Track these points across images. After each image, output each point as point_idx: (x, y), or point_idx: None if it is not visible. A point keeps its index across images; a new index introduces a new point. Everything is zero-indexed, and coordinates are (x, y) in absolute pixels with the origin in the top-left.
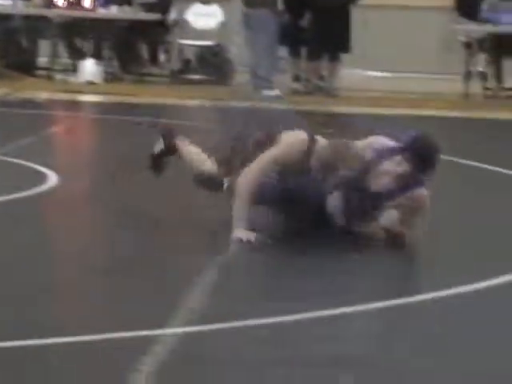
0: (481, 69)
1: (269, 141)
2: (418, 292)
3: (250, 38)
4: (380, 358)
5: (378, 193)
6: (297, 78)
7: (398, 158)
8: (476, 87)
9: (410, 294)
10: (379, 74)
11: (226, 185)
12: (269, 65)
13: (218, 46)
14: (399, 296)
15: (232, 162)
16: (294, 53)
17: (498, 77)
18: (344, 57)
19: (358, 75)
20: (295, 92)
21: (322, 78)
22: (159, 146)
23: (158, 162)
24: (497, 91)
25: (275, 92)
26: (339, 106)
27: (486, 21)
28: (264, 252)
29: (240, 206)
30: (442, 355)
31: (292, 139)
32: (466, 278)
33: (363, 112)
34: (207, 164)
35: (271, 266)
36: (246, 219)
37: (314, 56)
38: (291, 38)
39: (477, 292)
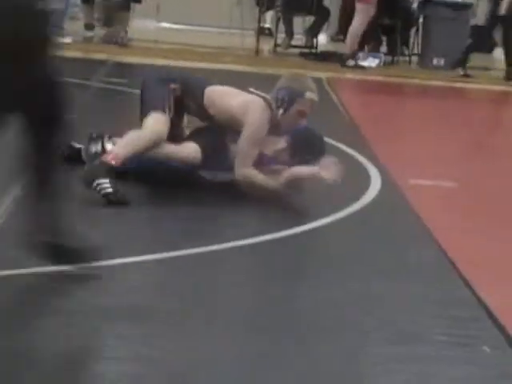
0: (269, 25)
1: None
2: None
3: None
4: (153, 308)
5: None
6: (89, 27)
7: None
8: (268, 43)
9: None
10: (173, 26)
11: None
12: (62, 12)
13: None
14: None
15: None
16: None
17: (288, 34)
18: (137, 7)
19: (151, 26)
20: (87, 40)
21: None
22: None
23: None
24: (286, 48)
25: (67, 39)
26: (131, 57)
27: None
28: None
29: (266, 184)
30: (213, 303)
31: (258, 116)
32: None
33: (156, 63)
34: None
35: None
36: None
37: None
38: None
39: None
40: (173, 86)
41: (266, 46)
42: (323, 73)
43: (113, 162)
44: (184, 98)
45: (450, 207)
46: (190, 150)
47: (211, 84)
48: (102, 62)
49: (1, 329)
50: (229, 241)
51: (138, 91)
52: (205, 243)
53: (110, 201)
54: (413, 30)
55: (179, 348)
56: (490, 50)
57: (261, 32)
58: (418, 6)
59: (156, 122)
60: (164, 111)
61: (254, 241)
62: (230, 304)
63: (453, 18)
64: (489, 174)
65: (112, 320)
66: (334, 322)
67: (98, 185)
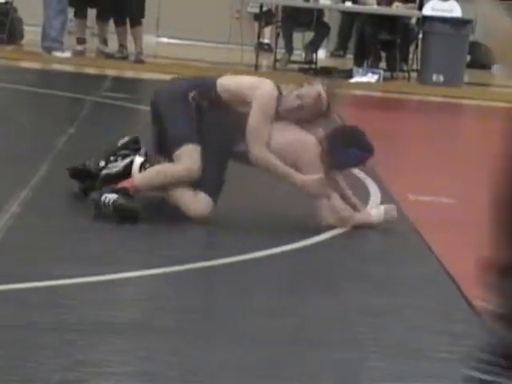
0: (267, 41)
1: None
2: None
3: None
4: (151, 323)
5: None
6: (81, 41)
7: None
8: (267, 59)
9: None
10: (172, 40)
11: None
12: (60, 26)
13: (7, 4)
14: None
15: None
16: (81, 14)
17: (288, 49)
18: None
19: (151, 41)
20: (77, 54)
21: (105, 41)
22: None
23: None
24: (285, 63)
25: (66, 54)
26: (131, 72)
27: None
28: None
29: (283, 172)
30: (210, 317)
31: (269, 87)
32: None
33: (154, 78)
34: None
35: (61, 226)
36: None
37: (102, 17)
38: None
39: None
40: (191, 94)
41: (265, 61)
42: None
43: (128, 188)
44: (200, 101)
45: (449, 223)
46: (201, 205)
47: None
48: (101, 77)
49: (2, 343)
50: (228, 256)
51: (138, 106)
52: (205, 258)
53: (119, 205)
54: (412, 46)
55: (179, 362)
56: (488, 66)
57: (260, 47)
58: (417, 22)
59: (189, 158)
60: (194, 140)
61: (253, 256)
62: (229, 318)
63: (452, 34)
64: (487, 189)
65: (111, 334)
66: (334, 337)
67: (105, 198)
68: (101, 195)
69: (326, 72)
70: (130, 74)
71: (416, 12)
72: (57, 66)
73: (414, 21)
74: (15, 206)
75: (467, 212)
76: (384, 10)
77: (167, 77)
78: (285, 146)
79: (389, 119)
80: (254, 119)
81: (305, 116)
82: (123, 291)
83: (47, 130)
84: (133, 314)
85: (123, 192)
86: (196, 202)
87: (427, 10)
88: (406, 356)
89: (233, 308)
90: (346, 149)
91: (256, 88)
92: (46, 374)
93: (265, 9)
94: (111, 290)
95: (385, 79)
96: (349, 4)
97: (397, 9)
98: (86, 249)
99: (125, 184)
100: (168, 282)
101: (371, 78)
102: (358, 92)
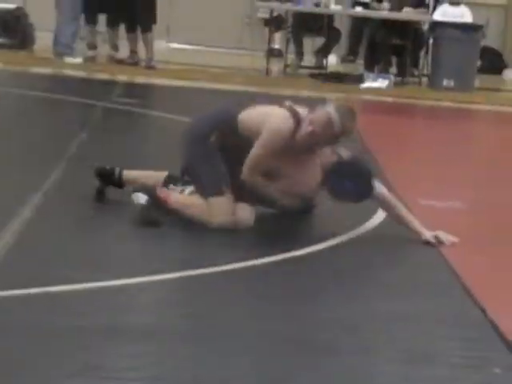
0: (278, 46)
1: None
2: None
3: (55, 3)
4: (164, 328)
5: None
6: (91, 46)
7: None
8: (277, 64)
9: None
10: (183, 46)
11: None
12: (71, 32)
13: (19, 9)
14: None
15: None
16: (92, 20)
17: (298, 55)
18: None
19: (162, 47)
20: (89, 60)
21: (115, 47)
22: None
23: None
24: (296, 69)
25: (77, 59)
26: (142, 77)
27: None
28: (73, 215)
29: (266, 192)
30: (223, 322)
31: (277, 123)
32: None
33: (165, 84)
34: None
35: (73, 231)
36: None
37: (113, 23)
38: (89, 4)
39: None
40: (212, 137)
41: (276, 66)
42: (333, 94)
43: (162, 198)
44: (223, 140)
45: (461, 228)
46: (246, 213)
47: (242, 109)
48: (113, 83)
49: (15, 347)
50: (241, 261)
51: (149, 111)
52: (219, 263)
53: (145, 213)
54: (422, 51)
55: (191, 367)
56: (499, 71)
57: (270, 53)
58: (428, 28)
59: (220, 212)
60: (222, 188)
61: (265, 261)
62: (242, 323)
63: (463, 39)
64: (499, 195)
65: (123, 339)
66: (346, 342)
67: (137, 197)
68: (134, 191)
69: (336, 77)
70: (140, 79)
71: (427, 17)
72: (68, 72)
73: (425, 26)
74: (28, 210)
75: (479, 218)
76: (395, 15)
77: (178, 82)
78: (291, 184)
79: (399, 124)
80: (253, 152)
81: (320, 141)
82: (136, 296)
83: (59, 135)
84: (146, 320)
85: (155, 199)
86: (240, 211)
87: (438, 16)
88: (419, 361)
89: (246, 313)
90: (342, 180)
91: (266, 121)
92: (58, 378)
93: (275, 14)
94: (124, 295)
95: (395, 84)
96: (359, 9)
97: (407, 14)
98: (98, 254)
99: (161, 194)
100: (181, 287)
101: (382, 83)
102: (369, 97)
